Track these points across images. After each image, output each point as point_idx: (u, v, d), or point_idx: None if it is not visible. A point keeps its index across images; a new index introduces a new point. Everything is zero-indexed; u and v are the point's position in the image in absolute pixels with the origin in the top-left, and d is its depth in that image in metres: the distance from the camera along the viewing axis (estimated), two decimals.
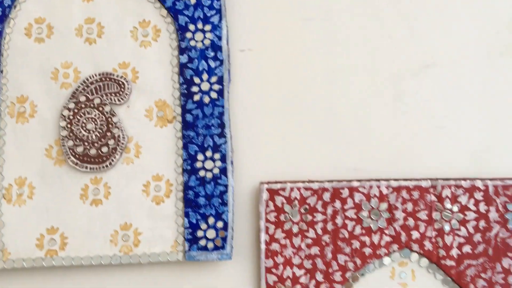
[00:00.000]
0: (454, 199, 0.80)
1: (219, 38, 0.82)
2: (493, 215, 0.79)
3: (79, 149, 0.81)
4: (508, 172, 0.81)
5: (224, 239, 0.79)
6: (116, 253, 0.79)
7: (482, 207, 0.79)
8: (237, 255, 0.81)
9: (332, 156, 0.82)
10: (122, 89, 0.82)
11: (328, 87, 0.83)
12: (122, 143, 0.81)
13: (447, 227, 0.79)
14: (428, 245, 0.79)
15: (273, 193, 0.80)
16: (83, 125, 0.81)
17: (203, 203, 0.79)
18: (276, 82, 0.84)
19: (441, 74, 0.84)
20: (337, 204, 0.80)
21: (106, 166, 0.80)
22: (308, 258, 0.79)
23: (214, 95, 0.81)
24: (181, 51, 0.82)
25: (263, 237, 0.79)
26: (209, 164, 0.80)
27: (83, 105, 0.81)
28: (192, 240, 0.79)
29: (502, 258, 0.79)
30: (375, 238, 0.79)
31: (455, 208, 0.79)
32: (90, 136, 0.81)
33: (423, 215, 0.79)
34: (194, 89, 0.81)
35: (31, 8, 0.84)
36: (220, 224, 0.79)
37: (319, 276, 0.79)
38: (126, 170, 0.81)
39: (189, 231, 0.79)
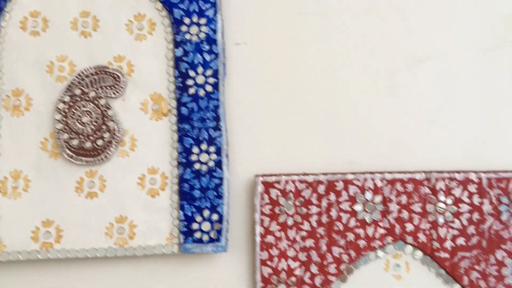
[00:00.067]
0: (448, 192, 0.80)
1: (214, 31, 0.82)
2: (486, 207, 0.80)
3: (75, 142, 0.81)
4: (502, 165, 0.82)
5: (219, 232, 0.79)
6: (111, 245, 0.79)
7: (476, 199, 0.80)
8: (232, 248, 0.81)
9: (327, 149, 0.83)
10: (118, 83, 0.82)
11: (323, 80, 0.84)
12: (118, 136, 0.81)
13: (441, 220, 0.80)
14: (422, 238, 0.80)
15: (268, 185, 0.80)
16: (79, 118, 0.81)
17: (198, 196, 0.80)
18: (271, 75, 0.84)
19: (435, 68, 0.84)
20: (332, 196, 0.80)
21: (102, 159, 0.81)
22: (303, 250, 0.79)
23: (209, 88, 0.82)
24: (176, 44, 0.82)
25: (258, 229, 0.80)
26: (204, 157, 0.80)
27: (78, 98, 0.82)
28: (187, 233, 0.79)
29: (496, 250, 0.79)
30: (370, 231, 0.80)
31: (449, 201, 0.80)
32: (86, 129, 0.81)
33: (417, 207, 0.80)
34: (189, 82, 0.82)
35: (26, 2, 0.84)
36: (215, 217, 0.79)
37: (314, 268, 0.79)
38: (122, 163, 0.81)
39: (184, 223, 0.79)
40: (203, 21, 0.82)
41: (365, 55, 0.84)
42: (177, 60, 0.82)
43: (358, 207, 0.80)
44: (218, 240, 0.79)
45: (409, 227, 0.80)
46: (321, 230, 0.80)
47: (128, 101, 0.82)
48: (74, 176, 0.81)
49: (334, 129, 0.83)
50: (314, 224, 0.80)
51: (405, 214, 0.80)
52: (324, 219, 0.80)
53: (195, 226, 0.79)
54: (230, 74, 0.84)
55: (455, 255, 0.79)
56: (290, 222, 0.80)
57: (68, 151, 0.81)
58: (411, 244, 0.80)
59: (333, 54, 0.84)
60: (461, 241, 0.79)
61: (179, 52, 0.82)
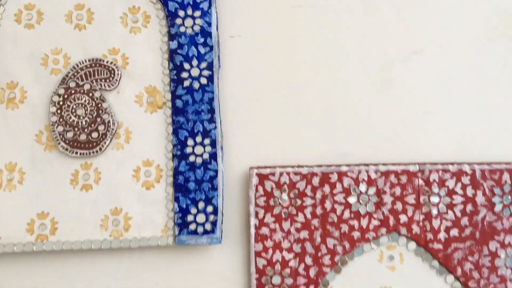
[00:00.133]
0: (441, 183, 0.80)
1: (209, 24, 0.82)
2: (480, 199, 0.80)
3: (69, 135, 0.81)
4: (495, 157, 0.82)
5: (214, 224, 0.79)
6: (106, 237, 0.80)
7: (469, 191, 0.80)
8: (227, 239, 0.81)
9: (321, 142, 0.83)
10: (112, 75, 0.82)
11: (317, 73, 0.84)
12: (112, 129, 0.81)
13: (434, 211, 0.80)
14: (416, 229, 0.80)
15: (262, 178, 0.81)
16: (73, 110, 0.81)
17: (193, 188, 0.80)
18: (266, 68, 0.84)
19: (429, 61, 0.84)
20: (326, 188, 0.80)
21: (96, 151, 0.81)
22: (297, 242, 0.80)
23: (204, 81, 0.82)
24: (171, 37, 0.82)
25: (253, 221, 0.80)
26: (199, 150, 0.81)
27: (73, 91, 0.82)
28: (182, 225, 0.79)
29: (489, 242, 0.80)
30: (364, 222, 0.80)
31: (443, 192, 0.80)
32: (80, 121, 0.81)
33: (411, 199, 0.80)
34: (184, 75, 0.82)
35: None
36: (210, 209, 0.80)
37: (308, 260, 0.80)
38: (116, 155, 0.81)
39: (179, 215, 0.79)
40: (197, 13, 0.82)
41: (359, 48, 0.84)
42: (172, 53, 0.82)
43: (352, 199, 0.80)
44: (213, 232, 0.79)
45: (403, 218, 0.80)
46: (315, 222, 0.80)
47: (122, 94, 0.82)
48: (69, 169, 0.81)
49: (328, 122, 0.83)
50: (309, 215, 0.80)
51: (399, 206, 0.80)
52: (319, 211, 0.80)
53: (190, 218, 0.79)
54: (224, 67, 0.84)
55: (449, 246, 0.80)
56: (284, 214, 0.80)
57: (63, 144, 0.81)
58: (404, 236, 0.80)
59: (327, 47, 0.84)
60: (454, 232, 0.80)
61: (174, 44, 0.82)
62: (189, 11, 0.83)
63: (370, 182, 0.81)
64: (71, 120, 0.81)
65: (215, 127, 0.81)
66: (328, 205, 0.80)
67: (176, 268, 0.81)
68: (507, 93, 0.84)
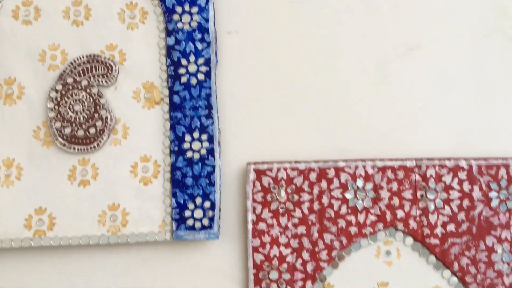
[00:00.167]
0: (438, 179, 0.81)
1: (206, 20, 0.83)
2: (476, 194, 0.81)
3: (67, 131, 0.81)
4: (492, 152, 0.83)
5: (211, 219, 0.79)
6: (104, 233, 0.80)
7: (466, 186, 0.81)
8: (225, 235, 0.81)
9: (319, 137, 0.83)
10: (110, 71, 0.82)
11: (315, 69, 0.84)
12: (110, 125, 0.81)
13: (431, 206, 0.80)
14: (412, 224, 0.80)
15: (260, 173, 0.81)
16: (71, 106, 0.81)
17: (190, 183, 0.80)
18: (263, 64, 0.84)
19: (426, 57, 0.85)
20: (323, 184, 0.81)
21: (94, 147, 0.81)
22: (295, 237, 0.80)
23: (201, 77, 0.82)
24: (168, 33, 0.83)
25: (250, 216, 0.80)
26: (196, 145, 0.81)
27: (70, 87, 0.82)
28: (180, 220, 0.80)
29: (486, 236, 0.80)
30: (361, 218, 0.80)
31: (439, 188, 0.81)
32: (78, 117, 0.81)
33: (407, 194, 0.81)
34: (181, 71, 0.82)
35: None
36: (207, 204, 0.80)
37: (306, 255, 0.80)
38: (114, 151, 0.81)
39: (177, 211, 0.80)
40: (195, 9, 0.83)
41: (356, 44, 0.85)
42: (169, 49, 0.82)
43: (349, 194, 0.81)
44: (210, 227, 0.79)
45: (400, 213, 0.80)
46: (312, 217, 0.80)
47: (120, 90, 0.82)
48: (67, 164, 0.81)
49: (325, 117, 0.83)
50: (306, 211, 0.80)
51: (396, 201, 0.80)
52: (316, 206, 0.80)
53: (187, 213, 0.80)
54: (222, 63, 0.84)
55: (446, 241, 0.80)
56: (282, 209, 0.80)
57: (60, 140, 0.81)
58: (401, 231, 0.80)
59: (324, 43, 0.85)
60: (451, 227, 0.80)
61: (171, 40, 0.82)
62: (187, 7, 0.83)
63: (367, 178, 0.81)
64: (68, 116, 0.81)
65: (213, 123, 0.81)
66: (325, 200, 0.80)
67: (174, 264, 0.81)
68: (504, 89, 0.84)
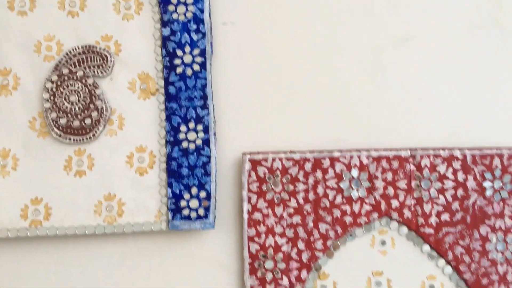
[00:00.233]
0: (432, 168, 0.81)
1: (201, 11, 0.83)
2: (471, 183, 0.81)
3: (63, 121, 0.81)
4: (486, 142, 0.83)
5: (207, 209, 0.80)
6: (100, 223, 0.80)
7: (460, 176, 0.81)
8: (220, 225, 0.82)
9: (314, 127, 0.83)
10: (105, 62, 0.82)
11: (310, 59, 0.84)
12: (105, 115, 0.81)
13: (426, 196, 0.81)
14: (407, 214, 0.81)
15: (255, 163, 0.81)
16: (66, 97, 0.82)
17: (186, 173, 0.80)
18: (258, 55, 0.84)
19: (421, 47, 0.85)
20: (318, 174, 0.81)
21: (90, 137, 0.81)
22: (290, 227, 0.80)
23: (196, 67, 0.82)
24: (164, 24, 0.83)
25: (246, 206, 0.80)
26: (192, 136, 0.81)
27: (66, 78, 0.82)
28: (175, 210, 0.80)
29: (480, 226, 0.81)
30: (356, 207, 0.81)
31: (434, 177, 0.81)
32: (73, 108, 0.81)
33: (402, 184, 0.81)
34: (177, 61, 0.82)
35: None
36: (203, 194, 0.80)
37: (301, 245, 0.80)
38: (110, 141, 0.82)
39: (173, 201, 0.80)
40: (190, 0, 0.83)
41: (351, 34, 0.85)
42: (165, 40, 0.82)
43: (344, 184, 0.81)
44: (206, 217, 0.80)
45: (395, 203, 0.81)
46: (308, 207, 0.81)
47: (115, 80, 0.83)
48: (63, 155, 0.81)
49: (320, 108, 0.84)
50: (301, 201, 0.81)
51: (390, 191, 0.81)
52: (311, 196, 0.81)
53: (183, 203, 0.80)
54: (217, 54, 0.84)
55: (440, 230, 0.80)
56: (277, 199, 0.81)
57: (56, 130, 0.81)
58: (396, 220, 0.81)
59: (319, 34, 0.85)
60: (445, 216, 0.81)
61: (166, 31, 0.82)
62: None
63: (362, 168, 0.81)
64: (64, 107, 0.81)
65: (208, 113, 0.81)
66: (320, 190, 0.81)
67: (170, 253, 0.82)
68: (498, 79, 0.85)
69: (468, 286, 0.80)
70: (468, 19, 0.85)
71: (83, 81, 0.82)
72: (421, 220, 0.80)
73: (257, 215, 0.80)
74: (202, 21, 0.83)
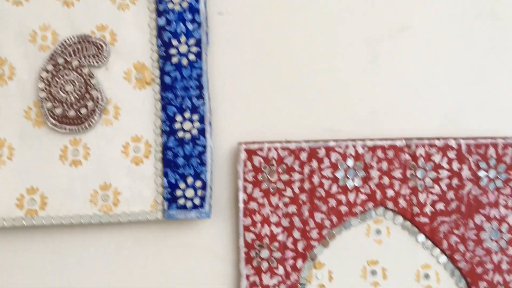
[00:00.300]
0: (428, 158, 0.81)
1: (197, 0, 0.82)
2: (465, 173, 0.81)
3: (58, 111, 0.81)
4: (481, 131, 0.83)
5: (202, 198, 0.80)
6: (96, 212, 0.80)
7: (455, 165, 0.81)
8: (216, 214, 0.82)
9: (309, 117, 0.84)
10: (101, 52, 0.82)
11: (305, 49, 0.84)
12: (101, 105, 0.81)
13: (421, 185, 0.81)
14: (402, 203, 0.81)
15: (251, 153, 0.81)
16: (62, 87, 0.82)
17: (181, 163, 0.81)
18: (254, 44, 0.84)
19: (416, 37, 0.85)
20: (314, 163, 0.81)
21: (85, 127, 0.81)
22: (286, 216, 0.81)
23: (192, 57, 0.82)
24: (159, 13, 0.83)
25: (241, 196, 0.81)
26: (187, 125, 0.81)
27: (61, 67, 0.82)
28: (171, 199, 0.80)
29: (474, 215, 0.81)
30: (351, 197, 0.81)
31: (429, 167, 0.81)
32: (69, 97, 0.81)
33: (397, 173, 0.81)
34: (172, 51, 0.82)
35: None
36: (198, 184, 0.80)
37: (296, 234, 0.80)
38: (105, 131, 0.82)
39: (168, 190, 0.80)
40: None
41: (347, 24, 0.85)
42: (160, 30, 0.82)
43: (339, 174, 0.81)
44: (201, 206, 0.80)
45: (390, 192, 0.81)
46: (303, 196, 0.81)
47: (111, 70, 0.82)
48: (58, 144, 0.81)
49: (316, 97, 0.84)
50: (297, 190, 0.81)
51: (385, 180, 0.81)
52: (306, 185, 0.81)
53: (179, 193, 0.80)
54: (213, 43, 0.84)
55: (435, 219, 0.81)
56: (272, 188, 0.81)
57: (51, 120, 0.81)
58: (391, 210, 0.81)
59: (315, 23, 0.85)
60: (440, 206, 0.81)
61: (162, 21, 0.82)
62: None
63: (357, 157, 0.81)
64: (59, 96, 0.81)
65: (204, 103, 0.81)
66: (316, 180, 0.81)
67: (166, 243, 0.82)
68: (493, 69, 0.85)
69: (463, 274, 0.80)
70: (464, 9, 0.86)
71: (79, 70, 0.82)
72: (416, 210, 0.81)
73: (253, 205, 0.81)
74: (197, 11, 0.82)
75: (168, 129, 0.81)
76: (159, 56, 0.82)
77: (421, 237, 0.81)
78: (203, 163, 0.80)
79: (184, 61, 0.82)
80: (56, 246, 0.82)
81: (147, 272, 0.82)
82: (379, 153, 0.81)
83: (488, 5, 0.85)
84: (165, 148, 0.81)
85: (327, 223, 0.81)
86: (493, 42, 0.85)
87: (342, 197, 0.81)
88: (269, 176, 0.81)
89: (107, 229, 0.82)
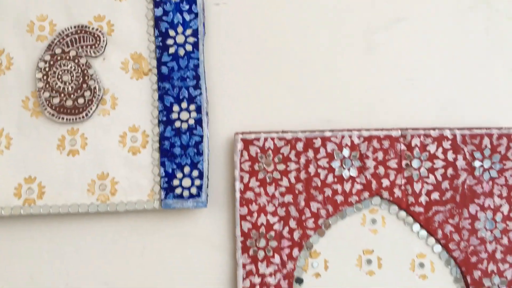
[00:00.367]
0: (423, 148, 0.82)
1: None
2: (460, 163, 0.82)
3: (55, 101, 0.82)
4: (476, 122, 0.84)
5: (199, 188, 0.80)
6: (93, 201, 0.81)
7: (450, 155, 0.82)
8: (213, 203, 0.82)
9: (305, 107, 0.84)
10: (98, 42, 0.83)
11: (302, 39, 0.85)
12: (98, 95, 0.82)
13: (416, 175, 0.82)
14: (397, 193, 0.82)
15: (247, 143, 0.82)
16: (59, 77, 0.82)
17: (178, 153, 0.81)
18: (250, 35, 0.85)
19: (412, 28, 0.85)
20: (310, 153, 0.82)
21: (83, 117, 0.82)
22: (282, 205, 0.81)
23: (189, 47, 0.82)
24: (156, 4, 0.83)
25: (238, 185, 0.81)
26: (184, 115, 0.82)
27: (59, 57, 0.82)
28: (168, 189, 0.80)
29: (469, 205, 0.82)
30: (347, 186, 0.82)
31: (424, 157, 0.82)
32: (66, 87, 0.82)
33: (393, 163, 0.82)
34: (169, 41, 0.82)
35: None
36: (195, 173, 0.81)
37: (292, 223, 0.81)
38: (103, 121, 0.82)
39: (165, 180, 0.81)
40: None
41: (343, 15, 0.85)
42: (157, 20, 0.83)
43: (335, 164, 0.82)
44: (198, 195, 0.80)
45: (385, 182, 0.82)
46: (299, 186, 0.81)
47: (108, 60, 0.83)
48: (56, 134, 0.82)
49: (312, 88, 0.84)
50: (293, 180, 0.81)
51: (381, 170, 0.82)
52: (303, 175, 0.82)
53: (175, 182, 0.81)
54: (209, 34, 0.84)
55: (430, 209, 0.81)
56: (269, 178, 0.81)
57: (49, 109, 0.81)
58: (387, 199, 0.82)
59: (310, 13, 0.85)
60: (435, 195, 0.82)
61: (159, 11, 0.83)
62: None
63: (353, 147, 0.82)
64: (57, 86, 0.82)
65: (201, 93, 0.82)
66: (312, 169, 0.82)
67: (163, 232, 0.82)
68: (488, 60, 0.85)
69: (457, 264, 0.81)
70: (459, 0, 0.86)
71: (76, 61, 0.82)
72: (411, 199, 0.81)
73: (249, 194, 0.81)
74: (194, 1, 0.83)
75: (165, 119, 0.82)
76: (156, 47, 0.83)
77: (416, 227, 0.82)
78: (200, 153, 0.81)
79: (181, 52, 0.82)
80: (54, 235, 0.82)
81: (144, 261, 0.82)
82: (375, 143, 0.82)
83: None
84: (162, 138, 0.81)
85: (323, 212, 0.81)
86: (487, 32, 0.86)
87: (338, 187, 0.81)
88: (265, 166, 0.82)
89: (105, 218, 0.82)
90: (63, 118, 0.81)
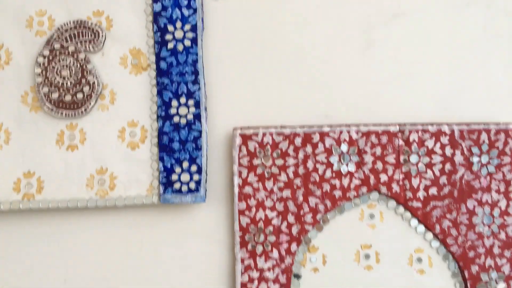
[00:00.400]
0: (421, 143, 0.82)
1: None
2: (458, 158, 0.82)
3: (54, 96, 0.82)
4: (474, 117, 0.84)
5: (198, 183, 0.81)
6: (92, 196, 0.81)
7: (448, 150, 0.82)
8: (211, 198, 0.83)
9: (304, 103, 0.84)
10: (97, 37, 0.83)
11: (300, 35, 0.85)
12: (97, 90, 0.82)
13: (414, 170, 0.82)
14: (395, 188, 0.82)
15: (246, 138, 0.82)
16: (58, 72, 0.82)
17: (177, 148, 0.81)
18: (249, 30, 0.85)
19: (410, 23, 0.86)
20: (308, 148, 0.82)
21: (82, 112, 0.82)
22: (280, 200, 0.81)
23: (187, 43, 0.83)
24: None
25: (236, 180, 0.81)
26: (183, 110, 0.82)
27: (58, 53, 0.82)
28: (167, 184, 0.81)
29: (467, 200, 0.82)
30: (345, 181, 0.82)
31: (422, 152, 0.82)
32: (65, 82, 0.82)
33: (391, 158, 0.82)
34: (168, 37, 0.83)
35: None
36: (194, 168, 0.81)
37: (291, 218, 0.81)
38: (102, 116, 0.82)
39: (164, 175, 0.81)
40: None
41: (341, 10, 0.85)
42: (156, 15, 0.83)
43: (333, 159, 0.82)
44: (197, 190, 0.80)
45: (383, 177, 0.82)
46: (298, 181, 0.82)
47: (107, 56, 0.83)
48: (55, 129, 0.82)
49: (311, 83, 0.84)
50: (291, 175, 0.82)
51: (379, 165, 0.82)
52: (301, 170, 0.82)
53: (174, 177, 0.81)
54: (208, 29, 0.85)
55: (428, 204, 0.82)
56: (267, 173, 0.82)
57: (48, 105, 0.82)
58: (385, 194, 0.82)
59: (309, 8, 0.85)
60: (433, 191, 0.82)
61: (158, 7, 0.83)
62: None
63: (351, 142, 0.82)
64: (56, 81, 0.82)
65: (199, 89, 0.82)
66: (310, 164, 0.82)
67: (161, 226, 0.83)
68: (486, 56, 0.85)
69: (455, 259, 0.81)
70: None
71: (75, 56, 0.82)
72: (409, 194, 0.82)
73: (248, 189, 0.81)
74: None
75: (164, 114, 0.82)
76: (154, 42, 0.83)
77: (414, 222, 0.82)
78: (198, 148, 0.81)
79: (180, 47, 0.82)
80: (53, 230, 0.82)
81: (143, 256, 0.82)
82: (373, 138, 0.82)
83: None
84: (160, 133, 0.82)
85: (321, 207, 0.81)
86: (485, 27, 0.86)
87: (336, 182, 0.82)
88: (264, 161, 0.82)
89: (103, 213, 0.82)
90: (62, 113, 0.81)
